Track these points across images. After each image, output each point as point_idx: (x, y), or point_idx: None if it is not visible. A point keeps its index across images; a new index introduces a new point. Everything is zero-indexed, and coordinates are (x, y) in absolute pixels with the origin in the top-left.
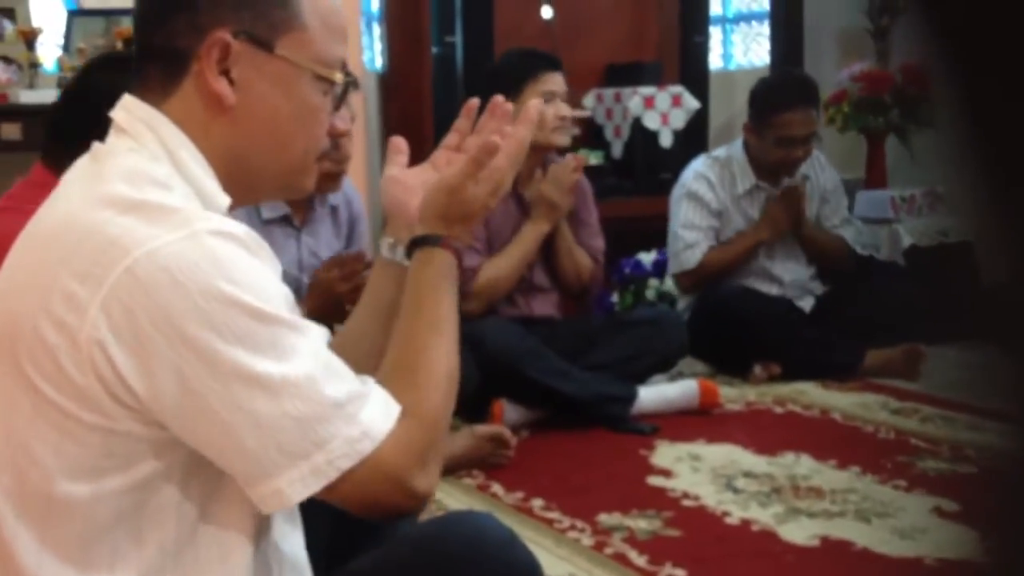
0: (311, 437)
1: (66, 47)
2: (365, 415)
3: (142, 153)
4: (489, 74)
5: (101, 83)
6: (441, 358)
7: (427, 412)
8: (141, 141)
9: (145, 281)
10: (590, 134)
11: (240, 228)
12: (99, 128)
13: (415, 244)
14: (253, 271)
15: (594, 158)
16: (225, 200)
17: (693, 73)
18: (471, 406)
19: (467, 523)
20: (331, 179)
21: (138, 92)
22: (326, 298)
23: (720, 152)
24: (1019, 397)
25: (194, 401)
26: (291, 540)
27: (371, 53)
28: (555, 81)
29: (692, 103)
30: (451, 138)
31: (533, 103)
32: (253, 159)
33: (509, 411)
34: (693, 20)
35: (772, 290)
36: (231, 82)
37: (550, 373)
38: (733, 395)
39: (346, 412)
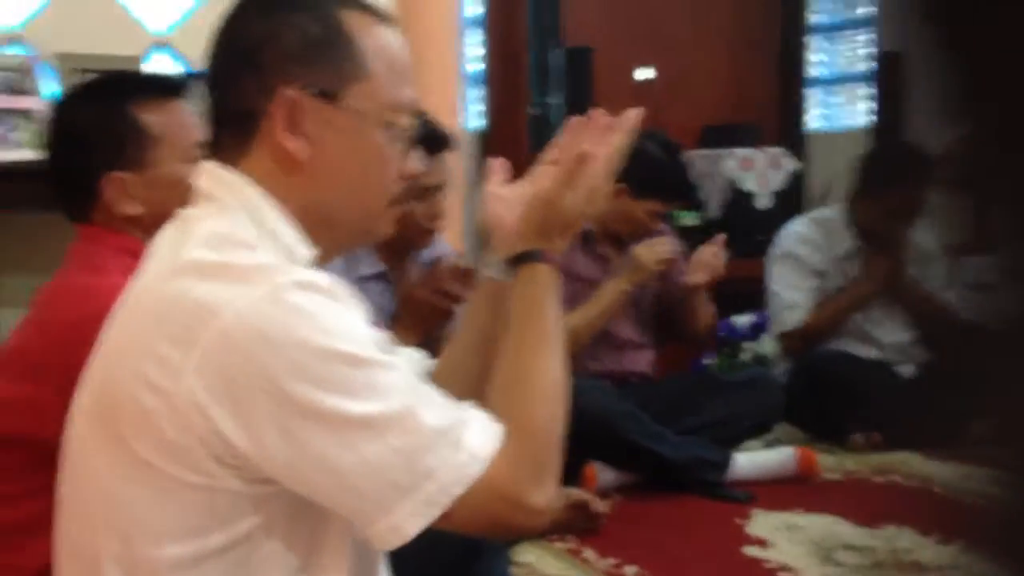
0: (419, 468)
1: None
2: (469, 439)
3: (225, 216)
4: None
5: (77, 120)
6: (548, 372)
7: (535, 427)
8: (223, 204)
9: (237, 341)
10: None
11: (322, 277)
12: (91, 164)
13: (517, 261)
14: (341, 318)
15: (689, 219)
16: (309, 252)
17: (791, 134)
18: (563, 468)
19: None
20: (424, 235)
21: (215, 155)
22: (413, 309)
23: (820, 213)
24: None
25: (302, 452)
26: None
27: (469, 114)
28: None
29: (790, 164)
30: (551, 153)
31: (633, 111)
32: (332, 210)
33: (602, 475)
34: (791, 81)
35: (871, 353)
36: (303, 136)
37: (645, 435)
38: (831, 464)
39: (449, 439)
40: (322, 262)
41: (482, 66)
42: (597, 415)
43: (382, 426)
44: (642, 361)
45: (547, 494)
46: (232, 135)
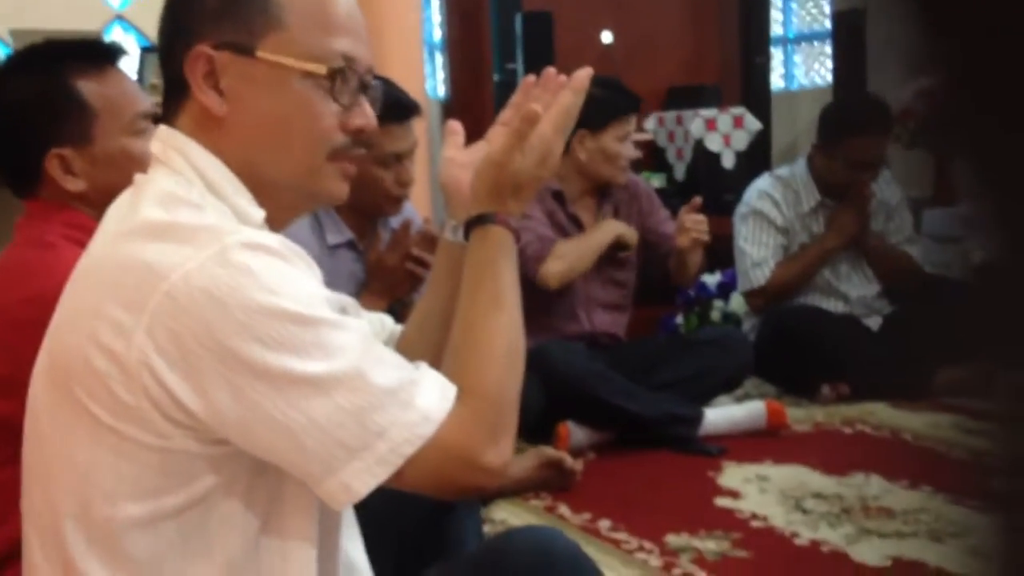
0: (369, 427)
1: (140, 82)
2: (421, 399)
3: (176, 178)
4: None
5: (16, 93)
6: (501, 333)
7: (488, 387)
8: (174, 167)
9: (185, 303)
10: (652, 157)
11: (272, 238)
12: (33, 140)
13: (470, 224)
14: (288, 277)
15: (656, 180)
16: (259, 214)
17: (755, 94)
18: (536, 428)
19: (533, 538)
20: (393, 202)
21: (167, 122)
22: (382, 275)
23: (783, 171)
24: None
25: (251, 411)
26: (351, 547)
27: (434, 81)
28: (632, 124)
29: (754, 124)
30: (506, 114)
31: (584, 71)
32: (260, 167)
33: (575, 433)
34: (754, 41)
35: (838, 307)
36: (219, 92)
37: (617, 394)
38: (801, 416)
39: (400, 399)
40: (277, 226)
41: (444, 34)
42: (568, 376)
43: (331, 385)
44: (616, 323)
45: (501, 454)
46: (171, 101)
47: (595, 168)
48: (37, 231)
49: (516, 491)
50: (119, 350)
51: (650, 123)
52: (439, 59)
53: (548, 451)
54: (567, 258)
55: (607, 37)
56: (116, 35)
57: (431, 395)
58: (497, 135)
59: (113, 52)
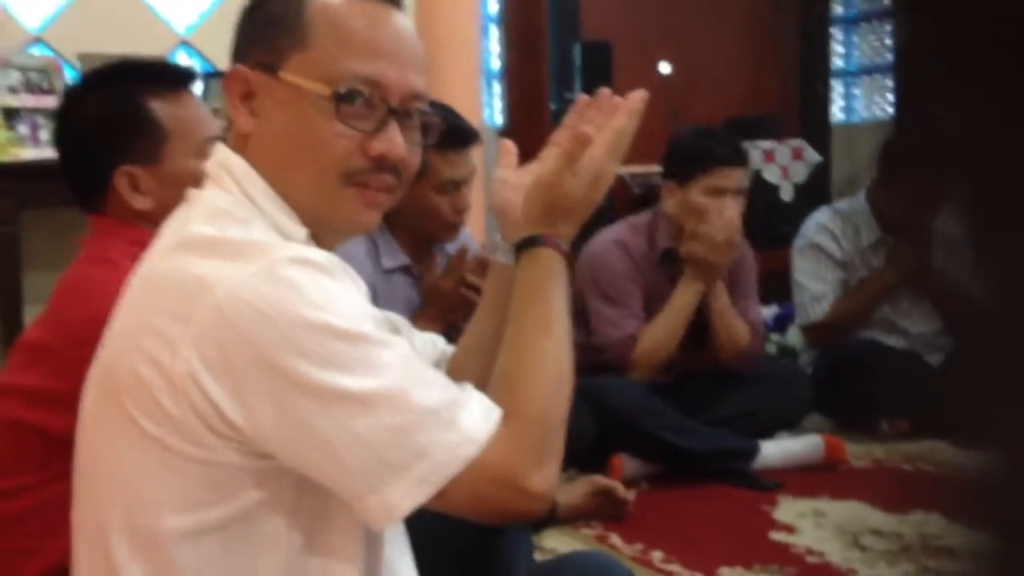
0: (411, 447)
1: None
2: (464, 420)
3: (224, 195)
4: (667, 151)
5: (89, 111)
6: (548, 357)
7: (534, 411)
8: (222, 184)
9: (231, 316)
10: None
11: (318, 254)
12: (102, 157)
13: (520, 246)
14: (334, 293)
15: None
16: (301, 231)
17: (814, 126)
18: (589, 458)
19: (586, 563)
20: (449, 229)
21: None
22: (437, 300)
23: (843, 204)
24: None
25: (293, 426)
26: (401, 565)
27: (491, 110)
28: (732, 178)
29: (813, 156)
30: (559, 135)
31: (639, 93)
32: (281, 186)
33: (628, 465)
34: (814, 73)
35: (898, 344)
36: (250, 111)
37: (671, 430)
38: (859, 451)
39: (443, 419)
40: (324, 247)
41: (502, 63)
42: (623, 411)
43: (374, 403)
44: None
45: (546, 478)
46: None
47: (682, 223)
48: (101, 246)
49: (567, 519)
50: (165, 361)
51: None
52: (497, 88)
53: (601, 480)
54: (656, 351)
55: (665, 68)
56: (180, 60)
57: (475, 416)
58: (549, 156)
59: (187, 75)
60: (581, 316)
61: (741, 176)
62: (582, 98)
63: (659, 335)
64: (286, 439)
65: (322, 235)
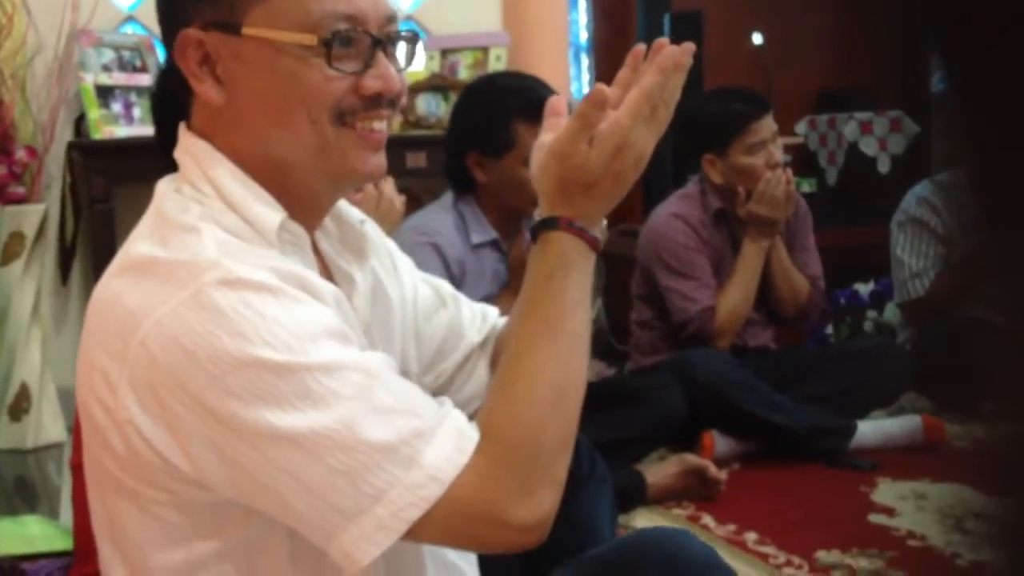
0: (364, 490)
1: None
2: (428, 455)
3: (176, 196)
4: (690, 126)
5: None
6: (549, 364)
7: (519, 432)
8: (186, 175)
9: (159, 356)
10: (803, 161)
11: (257, 272)
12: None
13: (534, 230)
14: (269, 316)
15: (807, 185)
16: (274, 217)
17: (913, 96)
18: (680, 436)
19: (665, 540)
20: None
21: (186, 123)
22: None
23: (944, 177)
24: None
25: (236, 470)
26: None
27: (579, 83)
28: (764, 128)
29: (912, 127)
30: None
31: (684, 46)
32: (273, 153)
33: (720, 443)
34: (911, 42)
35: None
36: (215, 79)
37: (763, 405)
38: (960, 432)
39: (402, 456)
40: (320, 214)
41: (590, 35)
42: (711, 386)
43: (316, 443)
44: (763, 336)
45: (536, 508)
46: (180, 97)
47: (737, 187)
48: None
49: (658, 499)
50: (110, 403)
51: (801, 126)
52: (584, 60)
53: (691, 459)
54: (737, 315)
55: (757, 38)
56: None
57: (443, 449)
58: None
59: None
60: (654, 294)
61: (771, 121)
62: (638, 47)
63: (737, 299)
64: (232, 484)
65: (314, 202)
